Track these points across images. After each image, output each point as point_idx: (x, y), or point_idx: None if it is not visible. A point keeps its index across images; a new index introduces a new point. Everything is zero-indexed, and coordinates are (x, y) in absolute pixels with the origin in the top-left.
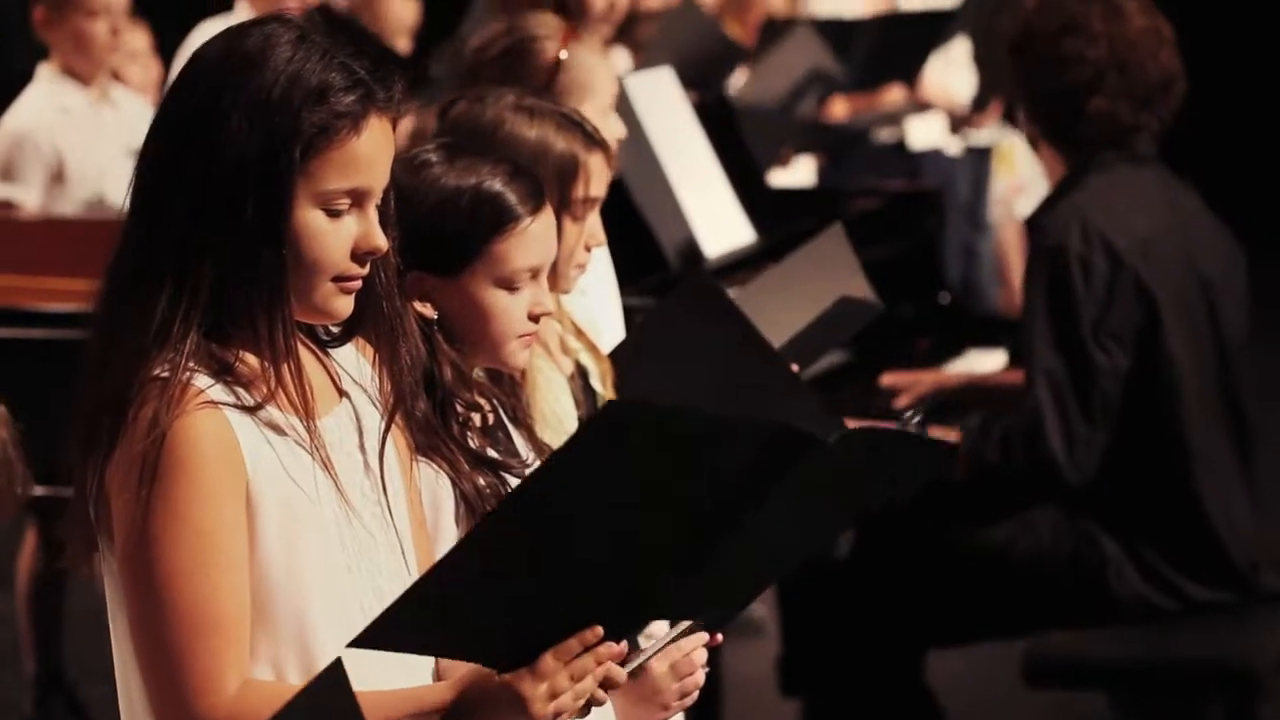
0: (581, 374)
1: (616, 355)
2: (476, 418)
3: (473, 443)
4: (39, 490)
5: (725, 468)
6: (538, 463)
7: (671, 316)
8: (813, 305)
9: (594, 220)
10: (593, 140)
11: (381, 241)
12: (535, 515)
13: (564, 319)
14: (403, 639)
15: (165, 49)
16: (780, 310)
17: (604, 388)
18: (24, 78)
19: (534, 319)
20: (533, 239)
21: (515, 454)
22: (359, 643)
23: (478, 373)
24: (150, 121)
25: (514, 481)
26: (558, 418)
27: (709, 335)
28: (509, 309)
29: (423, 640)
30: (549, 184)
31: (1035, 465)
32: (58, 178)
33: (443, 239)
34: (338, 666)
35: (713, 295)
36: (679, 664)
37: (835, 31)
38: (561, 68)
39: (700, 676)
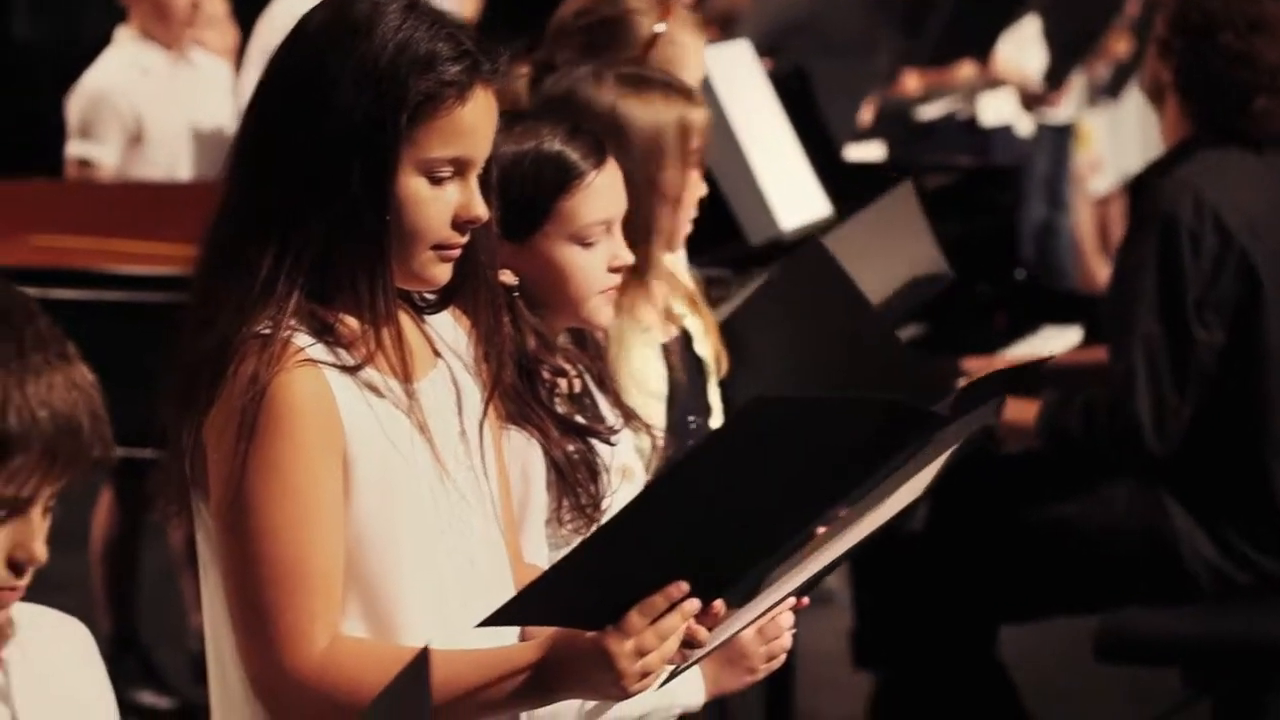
0: (685, 339)
1: (727, 323)
2: (563, 383)
3: (560, 409)
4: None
5: (848, 445)
6: (623, 428)
7: (783, 284)
8: (883, 264)
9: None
10: (689, 93)
11: (483, 210)
12: (674, 502)
13: (674, 283)
14: (526, 615)
15: (242, 16)
16: (851, 268)
17: (708, 353)
18: (98, 42)
19: (614, 271)
20: (599, 192)
21: (601, 419)
22: (492, 620)
23: (562, 339)
24: (253, 84)
25: (601, 447)
26: (644, 382)
27: (820, 303)
28: (586, 265)
29: (540, 613)
30: (671, 149)
31: (1120, 431)
32: (136, 138)
33: (511, 204)
34: (423, 655)
35: (825, 264)
36: (766, 628)
37: (910, 6)
38: (657, 42)
39: (787, 640)
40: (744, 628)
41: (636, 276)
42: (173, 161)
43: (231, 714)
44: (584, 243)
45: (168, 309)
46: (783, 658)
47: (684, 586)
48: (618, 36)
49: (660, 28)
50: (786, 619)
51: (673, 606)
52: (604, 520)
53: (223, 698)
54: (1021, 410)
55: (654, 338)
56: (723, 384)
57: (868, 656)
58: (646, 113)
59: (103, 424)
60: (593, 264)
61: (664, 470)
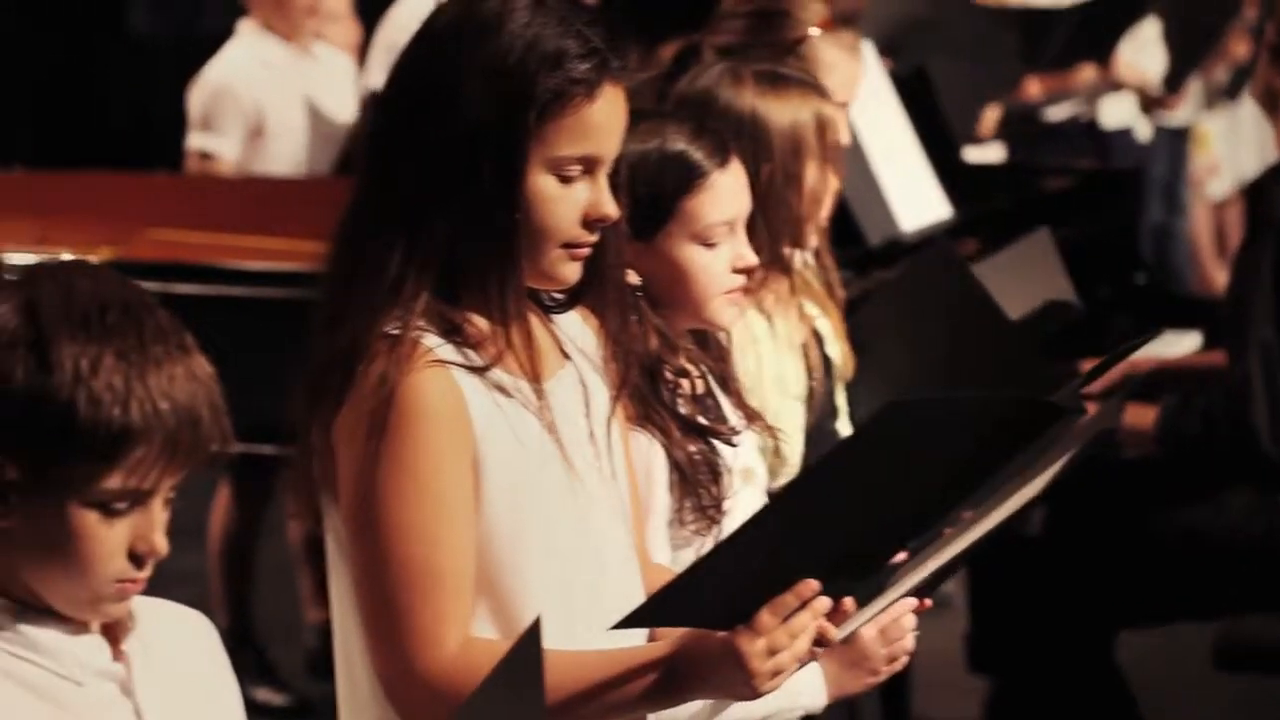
0: (817, 339)
1: (851, 323)
2: (685, 384)
3: (682, 409)
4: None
5: (978, 442)
6: (745, 429)
7: (909, 283)
8: (1015, 307)
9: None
10: (823, 89)
11: (612, 209)
12: (809, 505)
13: (805, 283)
14: (657, 617)
15: (366, 11)
16: None
17: (838, 354)
18: (217, 36)
19: (737, 272)
20: (723, 192)
21: (724, 420)
22: (626, 623)
23: (686, 341)
24: (377, 83)
25: (723, 448)
26: (786, 385)
27: (946, 302)
28: (709, 265)
29: (670, 615)
30: (810, 145)
31: (1237, 438)
32: (257, 131)
33: (635, 203)
34: (534, 631)
35: (953, 265)
36: (888, 629)
37: (1036, 18)
38: (806, 44)
39: (910, 642)
40: (862, 625)
41: (778, 276)
42: (294, 155)
43: (359, 714)
44: (707, 243)
45: (285, 304)
46: (905, 660)
47: (815, 585)
48: (773, 29)
49: (815, 32)
50: (909, 621)
51: (803, 605)
52: (727, 522)
53: (351, 697)
54: (1140, 415)
55: (794, 339)
56: (847, 385)
57: (983, 660)
58: (785, 110)
59: (221, 415)
60: (716, 264)
61: (800, 475)
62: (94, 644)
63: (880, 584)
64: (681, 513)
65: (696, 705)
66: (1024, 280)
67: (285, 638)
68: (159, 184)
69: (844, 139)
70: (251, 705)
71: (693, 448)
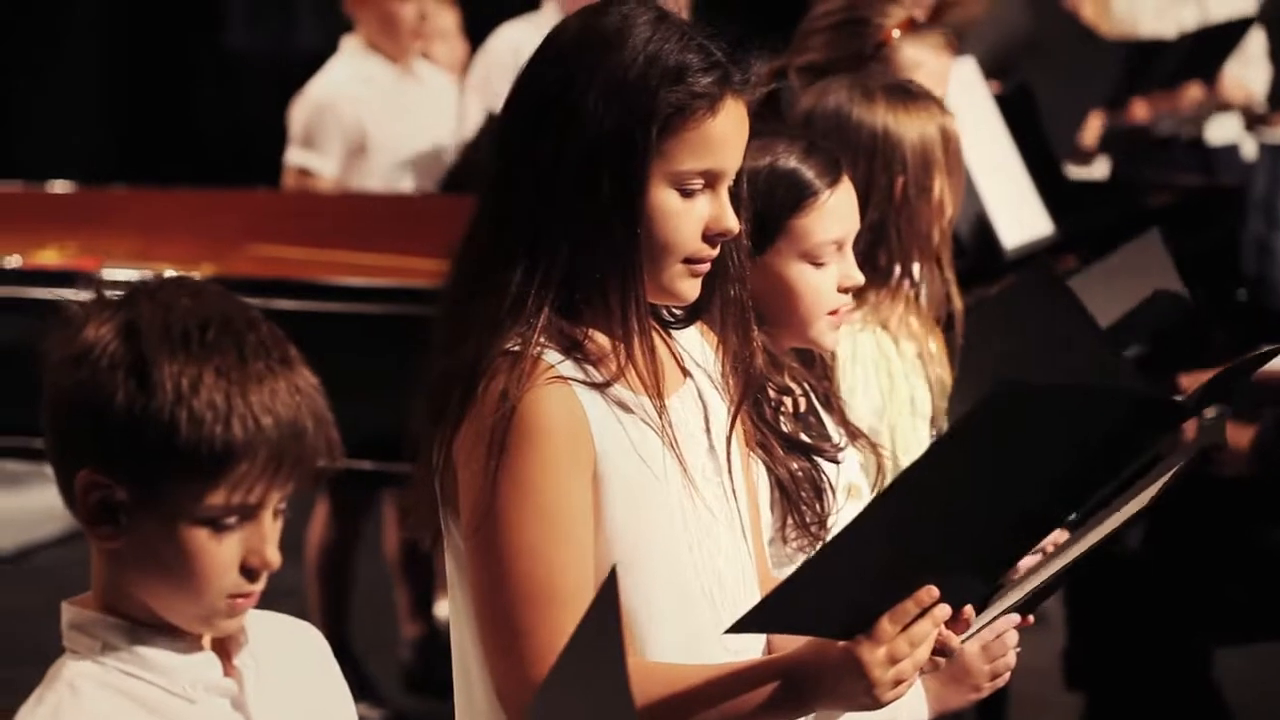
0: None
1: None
2: (788, 402)
3: (785, 427)
4: None
5: (1093, 439)
6: (848, 446)
7: (1009, 302)
8: (1127, 306)
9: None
10: (941, 101)
11: (733, 223)
12: (917, 498)
13: (919, 311)
14: (771, 622)
15: (473, 29)
16: (1095, 309)
17: (945, 374)
18: (313, 52)
19: (844, 291)
20: (832, 212)
21: (827, 438)
22: (741, 627)
23: (790, 358)
24: (474, 111)
25: (826, 465)
26: (919, 406)
27: (1048, 324)
28: (816, 284)
29: (785, 620)
30: (938, 159)
31: None
32: (359, 150)
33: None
34: (609, 590)
35: (1054, 285)
36: (991, 645)
37: (1147, 49)
38: (889, 47)
39: (1012, 658)
40: (969, 637)
41: (901, 293)
42: (394, 174)
43: None
44: (815, 262)
45: (384, 320)
46: (1007, 676)
47: (934, 592)
48: (858, 38)
49: (896, 34)
50: (1011, 638)
51: (924, 613)
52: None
53: (468, 713)
54: (1238, 434)
55: (917, 357)
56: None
57: (1080, 677)
58: (915, 126)
59: (327, 427)
60: (823, 284)
61: (908, 468)
62: (206, 660)
63: (988, 596)
64: (784, 530)
65: None
66: (1136, 280)
67: (382, 651)
68: (258, 200)
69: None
70: None
71: (795, 465)
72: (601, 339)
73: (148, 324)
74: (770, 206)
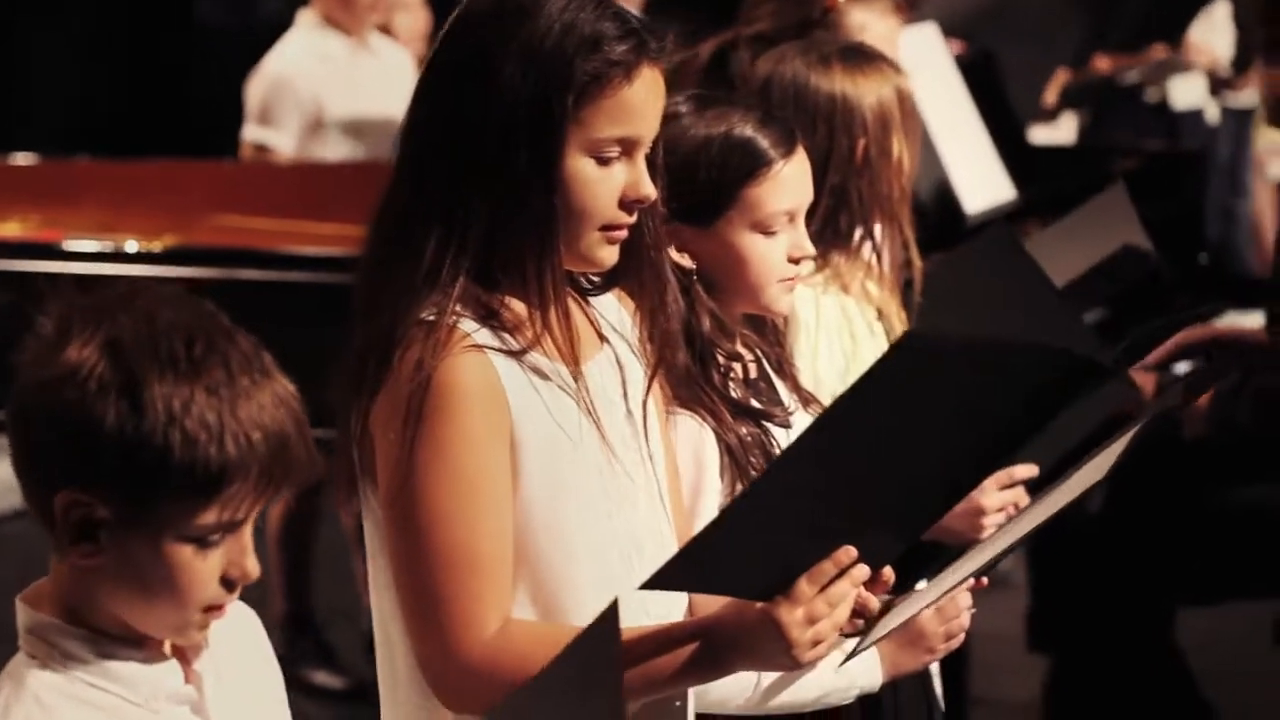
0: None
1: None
2: (738, 368)
3: (735, 393)
4: None
5: (1014, 394)
6: (801, 412)
7: (966, 267)
8: (1092, 261)
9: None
10: (894, 61)
11: (650, 190)
12: (830, 449)
13: (881, 274)
14: (683, 580)
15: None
16: (1058, 266)
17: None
18: (278, 26)
19: (794, 262)
20: (786, 182)
21: (778, 403)
22: (650, 584)
23: (741, 324)
24: (418, 71)
25: (778, 432)
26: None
27: (1003, 287)
28: (767, 254)
29: (701, 578)
30: (896, 120)
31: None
32: (315, 125)
33: (696, 188)
34: (609, 617)
35: (1010, 247)
36: (945, 607)
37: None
38: (835, 12)
39: (965, 620)
40: (924, 609)
41: (870, 254)
42: (351, 149)
43: (397, 698)
44: (766, 231)
45: (344, 289)
46: (961, 638)
47: (852, 552)
48: (806, 4)
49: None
50: (964, 599)
51: (842, 573)
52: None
53: (390, 682)
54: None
55: (872, 321)
56: None
57: (1043, 639)
58: (872, 88)
59: (307, 433)
60: (773, 253)
61: (815, 421)
62: (168, 669)
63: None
64: (734, 495)
65: (748, 686)
66: (1101, 235)
67: (343, 621)
68: (221, 171)
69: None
70: (310, 688)
71: (744, 430)
72: (518, 306)
73: (132, 341)
74: (724, 175)
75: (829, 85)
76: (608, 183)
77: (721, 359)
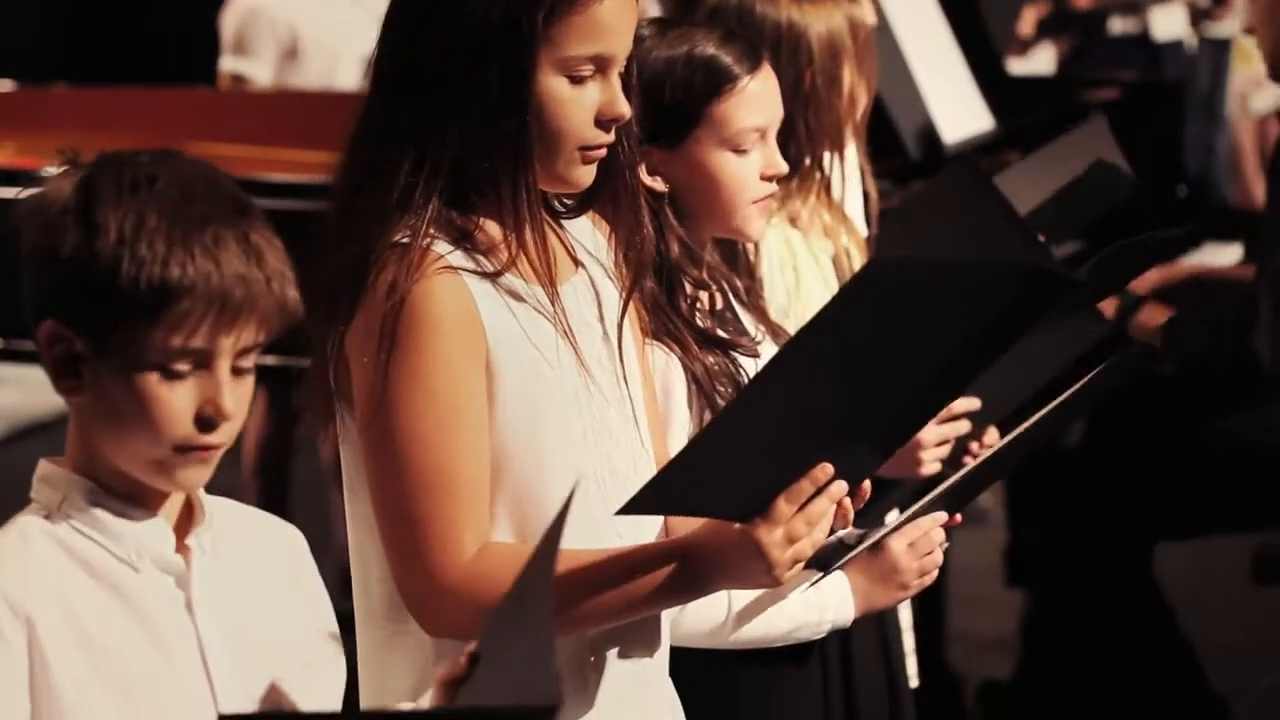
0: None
1: (875, 240)
2: (704, 297)
3: (701, 322)
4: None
5: (983, 313)
6: (769, 343)
7: (934, 201)
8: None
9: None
10: None
11: (625, 109)
12: (804, 370)
13: (831, 204)
14: (663, 502)
15: None
16: (1036, 197)
17: None
18: None
19: (767, 180)
20: (753, 98)
21: (744, 333)
22: (628, 509)
23: (710, 254)
24: None
25: (745, 362)
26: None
27: (972, 220)
28: (738, 171)
29: (677, 501)
30: (847, 49)
31: (1240, 360)
32: (290, 53)
33: (662, 109)
34: (551, 536)
35: (977, 181)
36: (918, 543)
37: None
38: None
39: (939, 556)
40: (894, 529)
41: (818, 185)
42: (327, 76)
43: (373, 627)
44: (737, 149)
45: (324, 217)
46: (935, 574)
47: (829, 469)
48: None
49: None
50: (938, 535)
51: (819, 491)
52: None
53: (365, 611)
54: (1153, 315)
55: (825, 253)
56: None
57: (1021, 574)
58: (820, 18)
59: (280, 279)
60: (745, 171)
61: (787, 343)
62: (158, 533)
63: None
64: (701, 424)
65: (719, 616)
66: (1080, 167)
67: (319, 553)
68: (197, 98)
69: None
70: None
71: (710, 360)
72: (492, 229)
73: (101, 176)
74: (689, 94)
75: (775, 13)
76: (582, 102)
77: (689, 287)
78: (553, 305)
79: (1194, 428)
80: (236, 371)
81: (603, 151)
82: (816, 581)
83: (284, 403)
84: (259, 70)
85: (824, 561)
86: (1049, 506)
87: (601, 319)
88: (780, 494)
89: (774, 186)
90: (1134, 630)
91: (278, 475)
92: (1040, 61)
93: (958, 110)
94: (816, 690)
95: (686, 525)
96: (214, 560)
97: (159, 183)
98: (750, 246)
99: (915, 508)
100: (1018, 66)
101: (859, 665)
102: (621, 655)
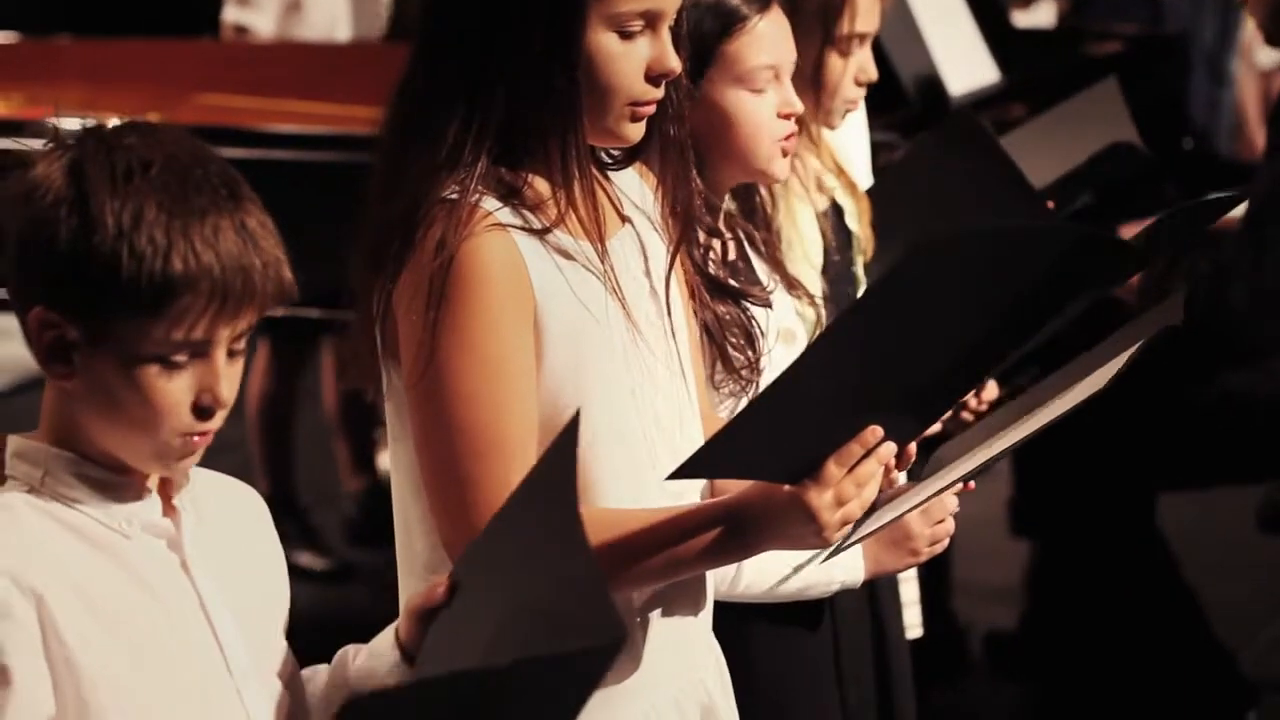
0: (836, 211)
1: (874, 192)
2: (717, 245)
3: (713, 271)
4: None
5: (1033, 279)
6: (780, 292)
7: (933, 152)
8: (1081, 155)
9: (865, 55)
10: None
11: (675, 63)
12: (855, 338)
13: (824, 154)
14: (714, 467)
15: None
16: (1046, 157)
17: (859, 226)
18: None
19: (785, 118)
20: (764, 37)
21: (756, 283)
22: (679, 474)
23: (728, 205)
24: None
25: (758, 311)
26: (808, 251)
27: (970, 172)
28: (755, 109)
29: (728, 465)
30: (812, 18)
31: (1214, 308)
32: (294, 4)
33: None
34: (571, 427)
35: (977, 132)
36: (931, 509)
37: None
38: None
39: (951, 525)
40: (914, 508)
41: (804, 134)
42: (329, 26)
43: (414, 577)
44: (751, 88)
45: (327, 168)
46: (946, 542)
47: (878, 431)
48: None
49: None
50: (951, 502)
51: (868, 453)
52: (764, 382)
53: (407, 561)
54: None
55: (817, 203)
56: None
57: (1026, 524)
58: None
59: (278, 265)
60: (762, 109)
61: (842, 312)
62: (146, 499)
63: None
64: (713, 374)
65: (728, 571)
66: (1090, 129)
67: (325, 503)
68: (204, 49)
69: None
70: (293, 570)
71: (721, 309)
72: (541, 185)
73: (92, 162)
74: (700, 36)
75: None
76: (632, 57)
77: (702, 236)
78: (601, 262)
79: (1199, 378)
80: (230, 354)
81: (652, 107)
82: (838, 551)
83: (286, 353)
84: (261, 21)
85: None
86: (1054, 457)
87: (648, 273)
88: (829, 456)
89: (792, 126)
90: (1137, 581)
91: (282, 427)
92: (1041, 14)
93: (964, 62)
94: (828, 649)
95: (733, 485)
96: (198, 521)
97: (153, 169)
98: (767, 197)
99: (938, 488)
100: (1021, 19)
101: (842, 615)
102: (667, 614)
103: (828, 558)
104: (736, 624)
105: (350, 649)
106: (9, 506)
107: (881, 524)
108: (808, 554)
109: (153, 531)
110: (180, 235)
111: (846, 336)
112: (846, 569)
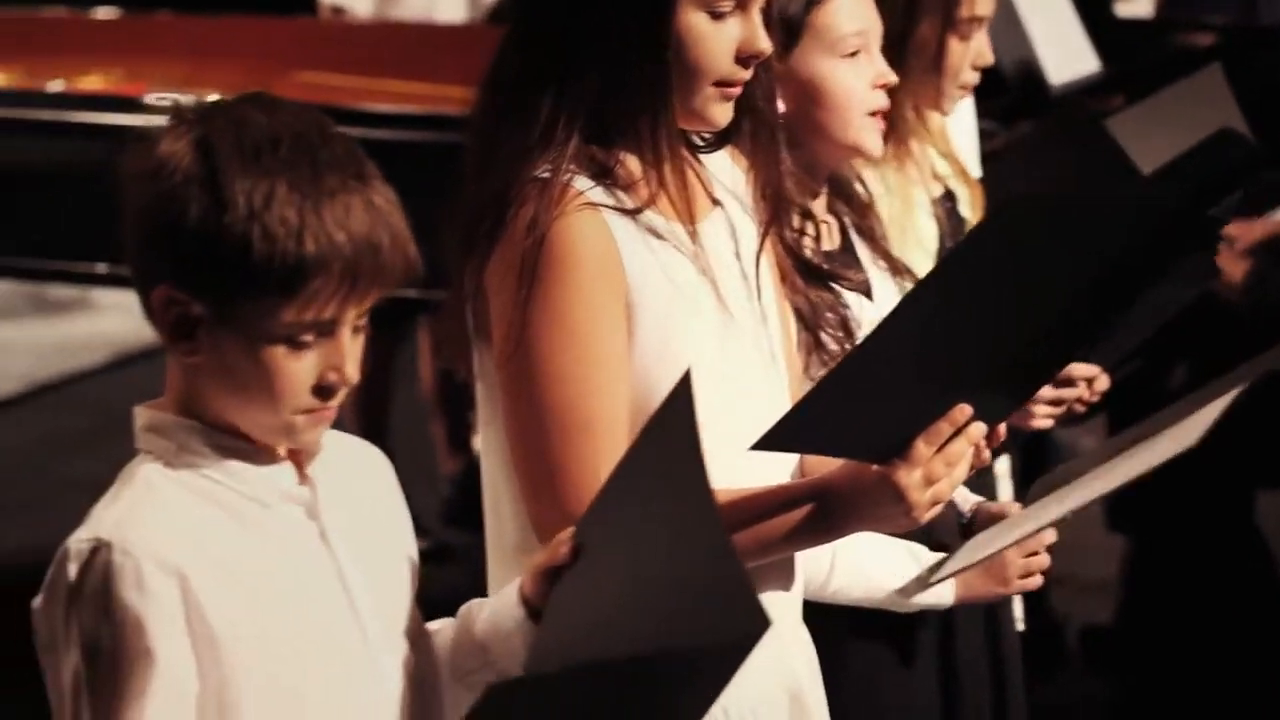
0: (949, 199)
1: (986, 179)
2: (810, 227)
3: (807, 255)
4: None
5: (1117, 251)
6: (889, 280)
7: (1045, 143)
8: (1185, 143)
9: (981, 39)
10: None
11: (765, 44)
12: (939, 308)
13: (938, 141)
14: (797, 440)
15: None
16: (1148, 143)
17: (972, 213)
18: None
19: (879, 89)
20: (851, 3)
21: (851, 267)
22: (761, 445)
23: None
24: None
25: (849, 296)
26: (921, 238)
27: (1081, 163)
28: (848, 76)
29: (812, 440)
30: (933, 2)
31: None
32: None
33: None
34: (684, 389)
35: (1088, 123)
36: (1027, 542)
37: None
38: None
39: (1045, 560)
40: (1016, 542)
41: (920, 120)
42: (426, 7)
43: (504, 558)
44: (843, 55)
45: (425, 148)
46: (1039, 579)
47: (968, 410)
48: None
49: None
50: (1049, 535)
51: (958, 432)
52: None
53: (497, 542)
54: (1235, 266)
55: (931, 190)
56: None
57: (1123, 519)
58: None
59: (405, 242)
60: (855, 77)
61: (921, 281)
62: (281, 467)
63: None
64: (808, 365)
65: (824, 569)
66: (1194, 117)
67: (422, 484)
68: (303, 27)
69: None
70: None
71: (814, 294)
72: (632, 165)
73: (220, 139)
74: (787, 6)
75: None
76: (722, 38)
77: (795, 219)
78: (692, 243)
79: None
80: (354, 330)
81: (740, 89)
82: (930, 584)
83: (383, 334)
84: (358, 2)
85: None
86: None
87: (739, 256)
88: (918, 435)
89: (885, 97)
90: (1234, 577)
91: (379, 408)
92: (1138, 5)
93: (1064, 51)
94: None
95: (822, 467)
96: (332, 487)
97: (281, 148)
98: (863, 190)
99: (1035, 526)
100: (1120, 10)
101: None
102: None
103: (925, 588)
104: (832, 617)
105: (474, 604)
106: (148, 482)
107: (975, 559)
108: (901, 575)
109: (291, 500)
110: (313, 215)
111: (930, 299)
112: (935, 591)
